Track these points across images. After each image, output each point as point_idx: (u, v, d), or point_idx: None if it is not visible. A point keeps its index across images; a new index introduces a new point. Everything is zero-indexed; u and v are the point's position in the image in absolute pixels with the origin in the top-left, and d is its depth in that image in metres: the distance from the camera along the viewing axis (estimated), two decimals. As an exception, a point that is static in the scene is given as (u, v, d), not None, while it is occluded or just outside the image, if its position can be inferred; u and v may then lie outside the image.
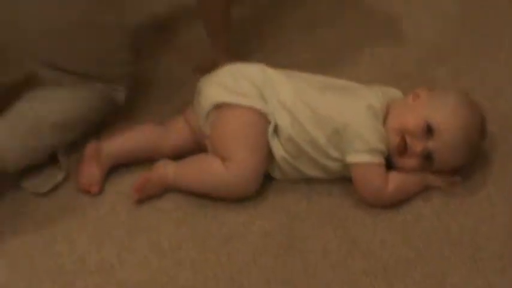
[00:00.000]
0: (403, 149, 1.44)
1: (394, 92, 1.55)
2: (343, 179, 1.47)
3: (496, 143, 1.57)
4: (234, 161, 1.43)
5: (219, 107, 1.46)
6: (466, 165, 1.49)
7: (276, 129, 1.46)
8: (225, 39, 1.69)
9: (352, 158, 1.43)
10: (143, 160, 1.52)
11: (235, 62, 1.54)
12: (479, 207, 1.45)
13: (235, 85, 1.48)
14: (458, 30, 1.88)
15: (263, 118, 1.46)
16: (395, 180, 1.44)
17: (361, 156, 1.43)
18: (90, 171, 1.48)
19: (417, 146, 1.43)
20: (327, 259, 1.37)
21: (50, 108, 1.50)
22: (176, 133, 1.54)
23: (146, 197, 1.46)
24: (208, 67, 1.58)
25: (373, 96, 1.47)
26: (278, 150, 1.46)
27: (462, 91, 1.53)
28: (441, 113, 1.44)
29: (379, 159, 1.44)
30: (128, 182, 1.49)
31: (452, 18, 1.92)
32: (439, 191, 1.47)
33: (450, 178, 1.47)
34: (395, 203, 1.45)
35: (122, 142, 1.52)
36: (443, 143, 1.42)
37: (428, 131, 1.42)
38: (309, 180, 1.49)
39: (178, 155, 1.52)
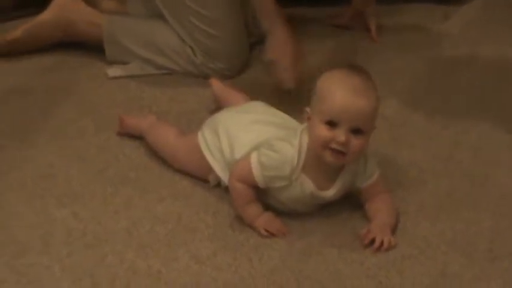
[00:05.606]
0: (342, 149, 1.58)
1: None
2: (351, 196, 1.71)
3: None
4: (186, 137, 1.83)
5: None
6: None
7: None
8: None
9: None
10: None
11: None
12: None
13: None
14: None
15: None
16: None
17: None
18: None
19: (340, 137, 1.56)
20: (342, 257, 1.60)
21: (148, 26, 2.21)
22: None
23: (125, 132, 1.94)
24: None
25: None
26: None
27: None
28: (329, 101, 1.56)
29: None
30: (161, 209, 1.73)
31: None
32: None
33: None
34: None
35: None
36: (351, 121, 1.55)
37: (332, 124, 1.56)
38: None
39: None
